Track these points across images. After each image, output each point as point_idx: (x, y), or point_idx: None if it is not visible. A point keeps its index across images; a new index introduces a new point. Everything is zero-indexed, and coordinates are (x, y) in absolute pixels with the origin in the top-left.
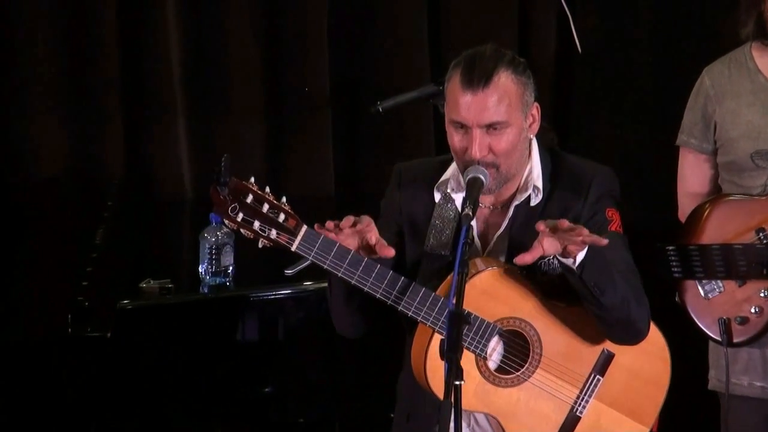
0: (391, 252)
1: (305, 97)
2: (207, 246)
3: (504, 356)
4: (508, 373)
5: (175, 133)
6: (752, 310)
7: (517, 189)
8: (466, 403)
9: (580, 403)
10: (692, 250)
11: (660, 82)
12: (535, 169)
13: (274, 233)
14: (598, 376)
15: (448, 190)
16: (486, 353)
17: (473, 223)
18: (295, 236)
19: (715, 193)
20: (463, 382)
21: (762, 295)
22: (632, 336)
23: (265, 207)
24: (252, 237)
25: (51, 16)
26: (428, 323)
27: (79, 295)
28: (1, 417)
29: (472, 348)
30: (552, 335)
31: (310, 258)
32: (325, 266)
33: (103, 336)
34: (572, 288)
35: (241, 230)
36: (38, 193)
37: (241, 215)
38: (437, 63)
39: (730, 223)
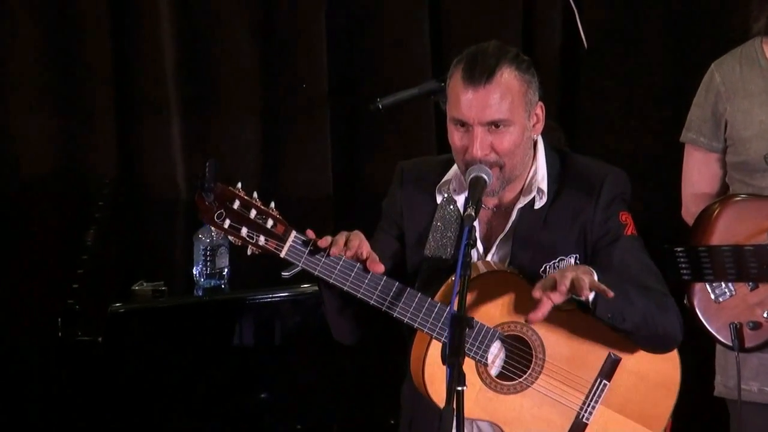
0: (380, 269)
1: (302, 94)
2: (201, 247)
3: (506, 362)
4: (511, 379)
5: (168, 131)
6: (765, 315)
7: (521, 191)
8: (467, 411)
9: (586, 409)
10: (702, 251)
11: (669, 78)
12: (539, 171)
13: (262, 239)
14: (604, 381)
15: (450, 191)
16: (486, 359)
17: (476, 225)
18: (284, 242)
19: (723, 193)
20: (465, 388)
21: None
22: (665, 345)
23: (253, 213)
24: (240, 244)
25: (39, 9)
26: (425, 330)
27: (69, 299)
28: None
29: (471, 354)
30: (555, 340)
31: (300, 264)
32: (316, 273)
33: (94, 340)
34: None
35: (229, 237)
36: (27, 193)
37: (227, 222)
38: (438, 59)
39: (741, 224)
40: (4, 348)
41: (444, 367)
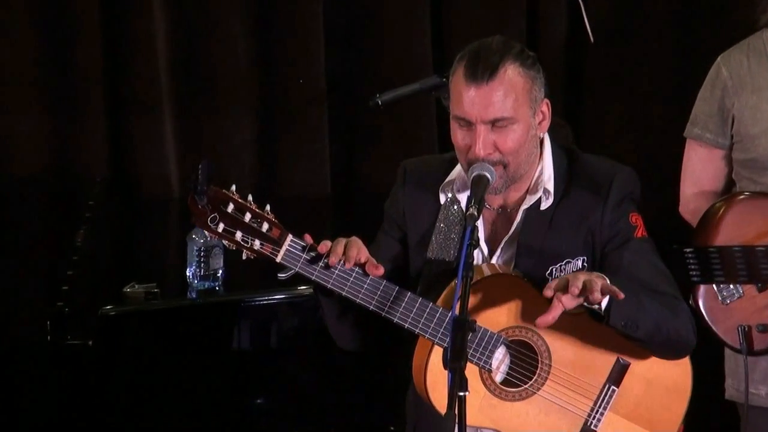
0: (380, 271)
1: (300, 91)
2: (195, 248)
3: (510, 368)
4: (516, 386)
5: (161, 129)
6: None
7: (527, 191)
8: (471, 419)
9: (594, 416)
10: (712, 252)
11: (677, 73)
12: (546, 170)
13: (257, 244)
14: (613, 387)
15: (454, 191)
16: (490, 365)
17: (480, 226)
18: (280, 246)
19: (727, 190)
20: (467, 393)
21: None
22: (679, 351)
23: (248, 216)
24: (235, 248)
25: (29, 5)
26: (426, 335)
27: (58, 301)
28: None
29: (475, 360)
30: (562, 345)
31: (297, 269)
32: (313, 277)
33: (85, 344)
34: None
35: (223, 241)
36: (16, 192)
37: (221, 225)
38: (440, 53)
39: (750, 223)
40: None
41: (447, 375)
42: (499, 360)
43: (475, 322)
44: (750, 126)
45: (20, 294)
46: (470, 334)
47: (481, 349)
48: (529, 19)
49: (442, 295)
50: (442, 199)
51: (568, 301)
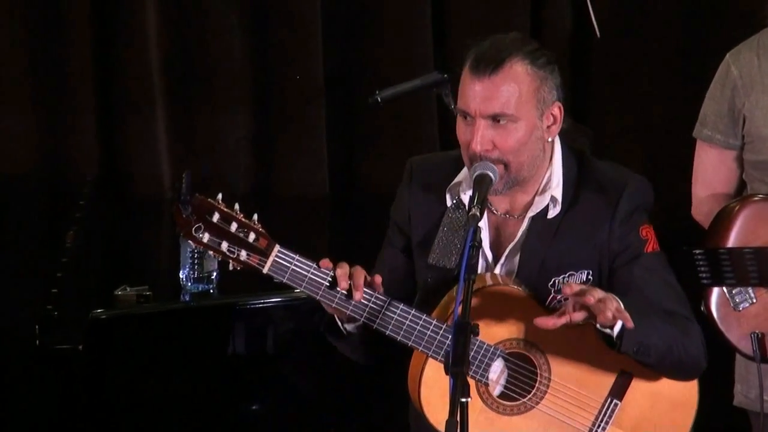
0: (359, 297)
1: (296, 87)
2: (189, 250)
3: (508, 381)
4: (514, 399)
5: (154, 126)
6: None
7: (534, 196)
8: None
9: (596, 431)
10: (722, 254)
11: (685, 69)
12: (555, 176)
13: (243, 254)
14: (615, 401)
15: (461, 194)
16: (487, 378)
17: (485, 230)
18: (267, 257)
19: (740, 192)
20: (470, 399)
21: None
22: (689, 373)
23: (234, 226)
24: (220, 258)
25: None
26: (420, 348)
27: (47, 304)
28: None
29: (471, 373)
30: (562, 357)
31: (284, 280)
32: (302, 288)
33: (75, 349)
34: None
35: (209, 252)
36: (3, 192)
37: (207, 236)
38: (441, 49)
39: (763, 225)
40: None
41: (441, 389)
42: (497, 373)
43: (478, 325)
44: (762, 127)
45: (7, 297)
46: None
47: (477, 362)
48: (533, 13)
49: (441, 303)
50: (449, 201)
51: (577, 316)
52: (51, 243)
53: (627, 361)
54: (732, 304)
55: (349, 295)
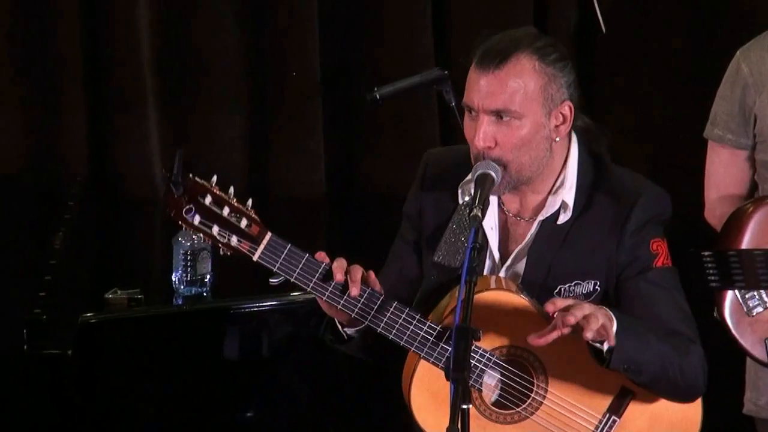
0: (371, 282)
1: (292, 84)
2: (181, 252)
3: (502, 389)
4: (508, 408)
5: (145, 124)
6: None
7: (546, 198)
8: None
9: None
10: (732, 256)
11: (693, 64)
12: (568, 180)
13: (234, 240)
14: (614, 417)
15: (472, 191)
16: (480, 384)
17: (494, 229)
18: (258, 245)
19: (753, 194)
20: (470, 406)
21: None
22: (685, 396)
23: (226, 210)
24: (211, 243)
25: None
26: (413, 348)
27: (36, 308)
28: None
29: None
30: (560, 369)
31: (275, 269)
32: (293, 279)
33: (64, 354)
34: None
35: (200, 235)
36: None
37: (197, 218)
38: (442, 44)
39: None
40: None
41: (430, 390)
42: (492, 380)
43: (480, 330)
44: None
45: None
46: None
47: (471, 367)
48: (536, 5)
49: (441, 303)
50: (461, 198)
51: (565, 330)
52: (39, 245)
53: (628, 379)
54: (745, 309)
55: (343, 289)
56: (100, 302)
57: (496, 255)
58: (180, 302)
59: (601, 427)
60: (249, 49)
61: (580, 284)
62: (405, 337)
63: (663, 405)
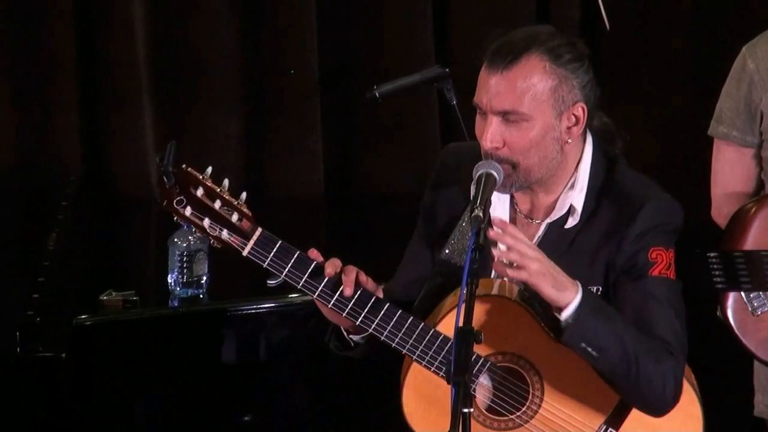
0: (363, 282)
1: (291, 81)
2: (177, 252)
3: (496, 395)
4: (502, 415)
5: (140, 123)
6: None
7: (557, 199)
8: None
9: None
10: (738, 257)
11: (697, 61)
12: (579, 183)
13: (225, 234)
14: (611, 430)
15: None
16: (473, 389)
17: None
18: (249, 239)
19: (759, 192)
20: (472, 410)
21: None
22: (649, 405)
23: (218, 204)
24: (201, 235)
25: None
26: (404, 350)
27: (29, 310)
28: None
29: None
30: (557, 378)
31: (265, 265)
32: (282, 276)
33: (57, 357)
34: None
35: (190, 226)
36: None
37: (189, 209)
38: (443, 41)
39: None
40: None
41: (421, 393)
42: (486, 385)
43: (481, 333)
44: None
45: None
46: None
47: None
48: (539, 4)
49: (441, 303)
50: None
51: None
52: (32, 246)
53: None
54: (750, 309)
55: (335, 287)
56: (95, 304)
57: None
58: (176, 304)
59: None
60: (246, 48)
61: None
62: (397, 339)
63: (662, 420)
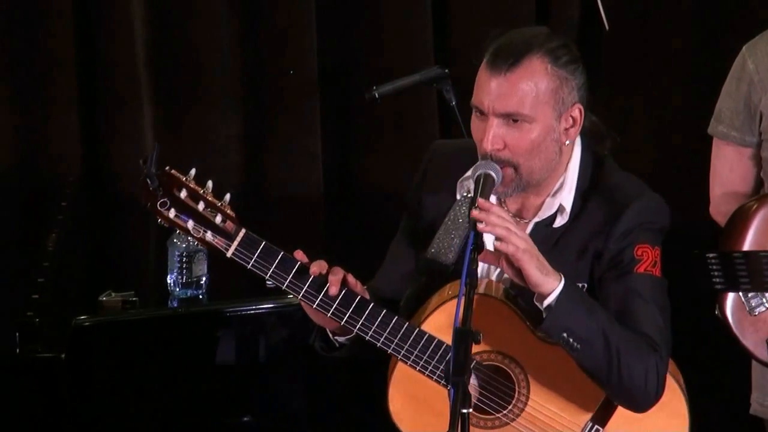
0: (350, 284)
1: (290, 81)
2: (176, 253)
3: (482, 393)
4: (488, 413)
5: (140, 123)
6: None
7: (545, 200)
8: None
9: None
10: (737, 257)
11: (697, 61)
12: (568, 183)
13: (209, 235)
14: (597, 427)
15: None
16: None
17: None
18: (232, 240)
19: (757, 191)
20: (470, 410)
21: None
22: (631, 400)
23: (201, 205)
24: (186, 236)
25: None
26: (389, 350)
27: (28, 311)
28: None
29: (435, 377)
30: (543, 377)
31: (249, 266)
32: (267, 277)
33: (57, 357)
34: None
35: (174, 228)
36: None
37: (173, 211)
38: (442, 42)
39: None
40: None
41: (407, 392)
42: (473, 384)
43: (480, 333)
44: None
45: None
46: (440, 351)
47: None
48: (538, 3)
49: (428, 302)
50: (459, 194)
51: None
52: (31, 246)
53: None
54: (747, 309)
55: (319, 288)
56: (94, 305)
57: None
58: (175, 305)
59: None
60: (246, 48)
61: None
62: (382, 339)
63: (647, 417)
